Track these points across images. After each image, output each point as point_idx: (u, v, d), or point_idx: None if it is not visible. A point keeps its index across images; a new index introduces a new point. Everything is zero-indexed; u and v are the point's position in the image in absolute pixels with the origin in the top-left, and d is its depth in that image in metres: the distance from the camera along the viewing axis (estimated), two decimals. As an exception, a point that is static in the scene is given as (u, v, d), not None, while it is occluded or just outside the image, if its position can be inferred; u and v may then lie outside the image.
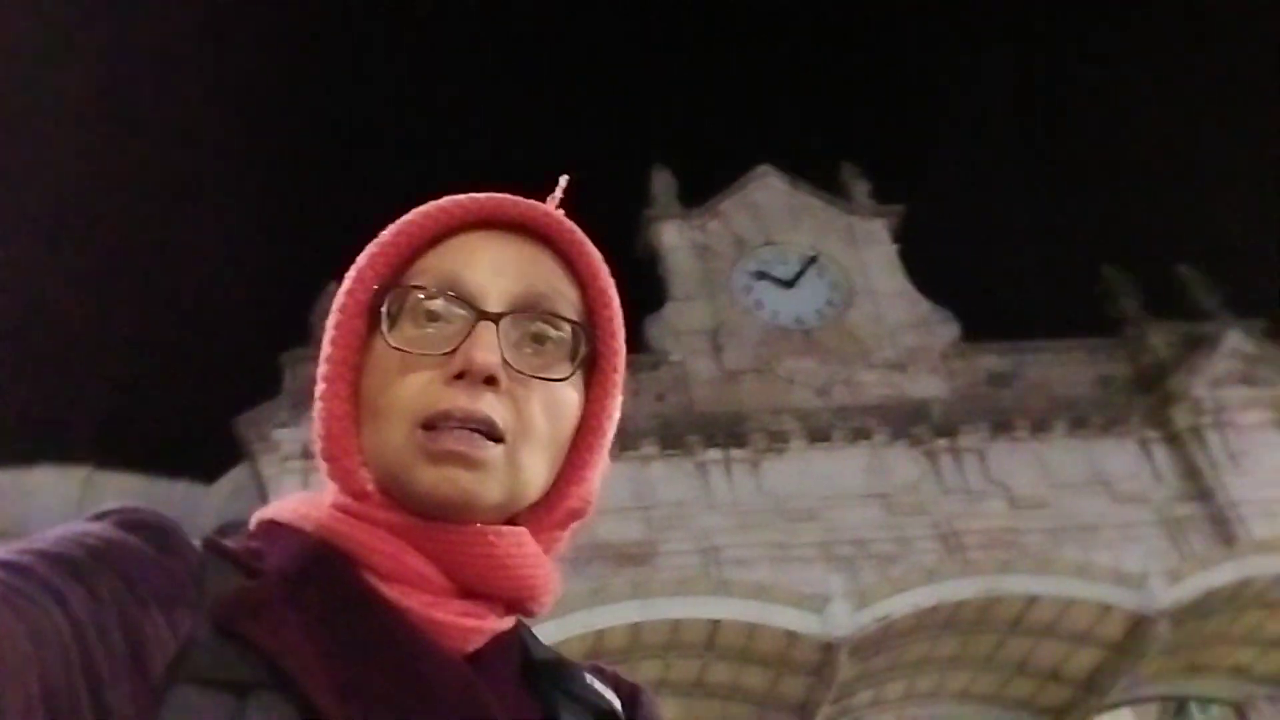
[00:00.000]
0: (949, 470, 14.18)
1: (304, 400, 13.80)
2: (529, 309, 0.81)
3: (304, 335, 14.99)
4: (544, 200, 0.88)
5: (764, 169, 17.95)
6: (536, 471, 0.80)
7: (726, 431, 13.92)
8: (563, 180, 0.94)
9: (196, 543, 0.73)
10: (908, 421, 14.41)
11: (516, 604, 0.80)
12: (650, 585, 10.54)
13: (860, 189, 18.03)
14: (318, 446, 0.81)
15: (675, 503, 13.40)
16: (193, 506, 15.89)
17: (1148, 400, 14.91)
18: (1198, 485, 14.25)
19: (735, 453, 13.88)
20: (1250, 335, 15.41)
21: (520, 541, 0.79)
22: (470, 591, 0.77)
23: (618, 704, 0.85)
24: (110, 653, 0.60)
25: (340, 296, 0.84)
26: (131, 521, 0.70)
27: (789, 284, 16.43)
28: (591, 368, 0.86)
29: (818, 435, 14.25)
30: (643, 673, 10.95)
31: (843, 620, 10.07)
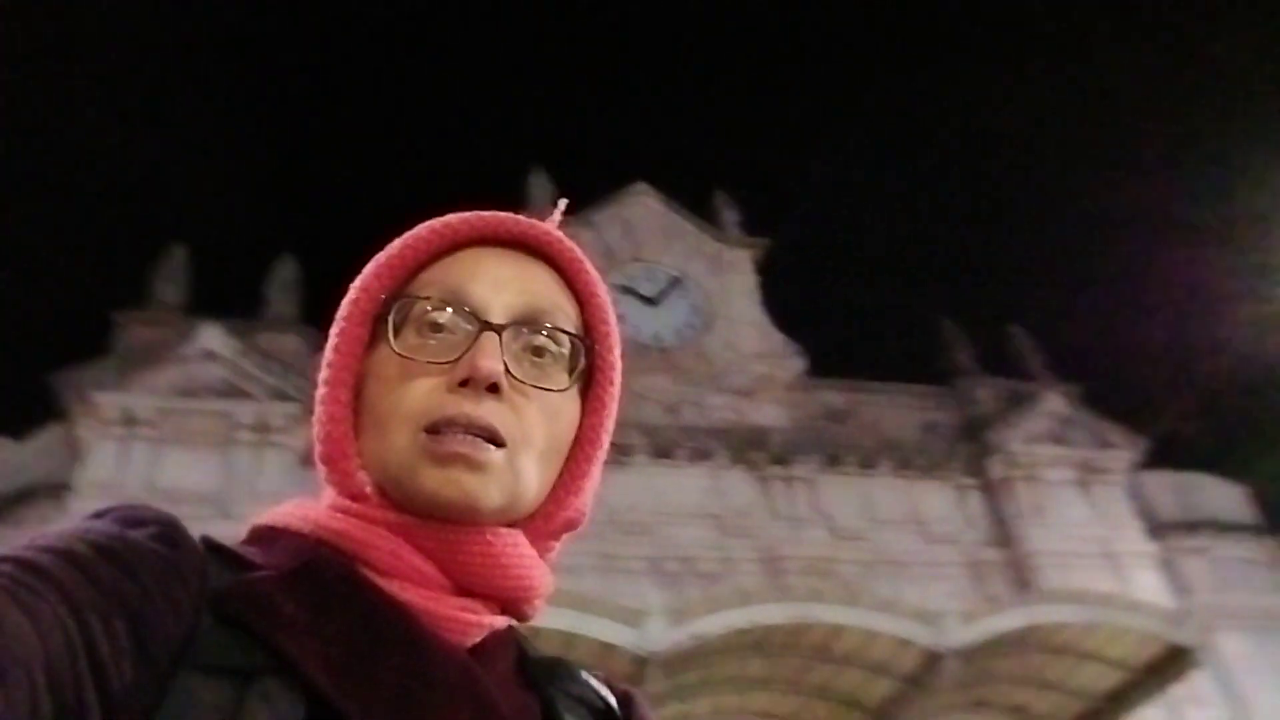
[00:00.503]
0: (780, 497, 14.72)
1: (133, 363, 13.17)
2: (530, 322, 0.83)
3: (139, 297, 14.32)
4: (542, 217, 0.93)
5: (641, 186, 18.23)
6: (535, 479, 0.82)
7: (572, 440, 14.04)
8: (562, 203, 0.99)
9: (196, 538, 0.74)
10: (748, 447, 14.88)
11: (511, 605, 0.82)
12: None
13: (730, 218, 18.53)
14: (317, 450, 0.83)
15: (512, 506, 13.41)
16: (1, 461, 14.89)
17: (968, 449, 15.87)
18: (1003, 532, 15.25)
19: (578, 462, 14.00)
20: (1066, 398, 16.63)
21: (516, 542, 0.81)
22: (466, 590, 0.78)
23: (614, 701, 0.87)
24: (114, 643, 0.61)
25: (345, 305, 0.87)
26: (132, 518, 0.71)
27: (653, 301, 16.72)
28: (588, 382, 0.89)
29: (661, 452, 14.54)
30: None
31: (657, 635, 10.31)
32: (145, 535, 0.69)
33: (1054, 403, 16.40)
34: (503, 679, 0.79)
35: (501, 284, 0.84)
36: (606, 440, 0.89)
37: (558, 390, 0.83)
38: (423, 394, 0.79)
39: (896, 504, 15.14)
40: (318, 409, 0.84)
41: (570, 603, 10.47)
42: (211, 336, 13.31)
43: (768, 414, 15.72)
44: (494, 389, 0.78)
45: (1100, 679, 12.57)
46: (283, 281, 15.06)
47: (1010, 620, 11.57)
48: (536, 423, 0.81)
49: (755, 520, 14.38)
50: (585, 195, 17.97)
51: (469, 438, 0.77)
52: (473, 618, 0.78)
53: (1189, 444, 19.10)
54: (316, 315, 14.98)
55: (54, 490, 13.04)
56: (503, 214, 0.90)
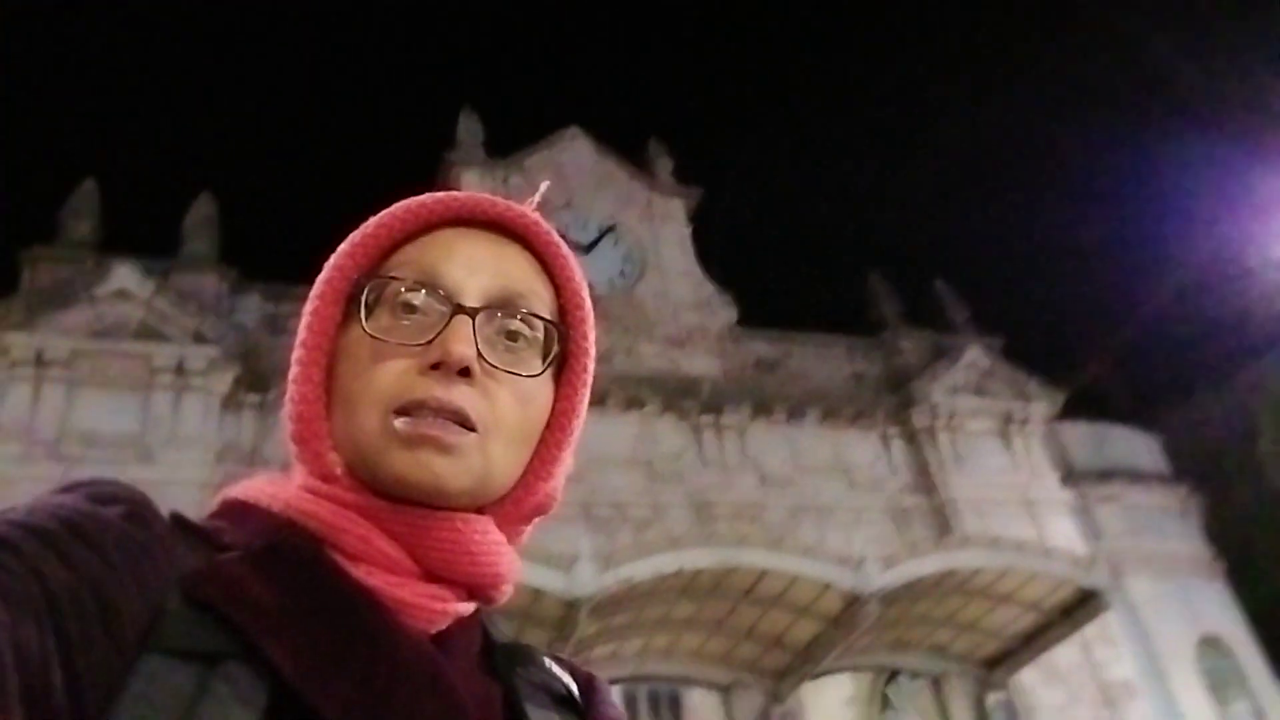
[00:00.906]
0: (710, 445, 14.88)
1: (43, 302, 12.62)
2: (505, 306, 0.82)
3: (48, 233, 13.68)
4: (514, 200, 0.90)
5: (574, 131, 17.98)
6: (506, 464, 0.81)
7: (503, 387, 13.95)
8: (543, 186, 0.98)
9: (166, 515, 0.73)
10: (679, 395, 14.96)
11: (478, 590, 0.81)
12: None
13: (664, 166, 18.43)
14: (288, 429, 0.82)
15: (442, 452, 13.31)
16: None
17: (893, 399, 16.21)
18: (925, 480, 15.67)
19: (509, 410, 13.94)
20: (988, 351, 17.05)
21: (485, 530, 0.80)
22: (434, 576, 0.78)
23: (575, 688, 0.87)
24: (82, 623, 0.60)
25: (318, 284, 0.85)
26: (103, 495, 0.70)
27: (585, 249, 16.59)
28: (562, 367, 0.87)
29: (594, 400, 14.16)
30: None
31: (587, 580, 10.40)
32: (116, 513, 0.68)
33: (976, 355, 16.81)
34: (466, 666, 0.79)
35: (476, 266, 0.83)
36: (579, 426, 0.88)
37: (530, 375, 0.82)
38: (394, 376, 0.78)
39: (823, 452, 15.43)
40: (290, 388, 0.83)
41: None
42: (125, 275, 12.79)
43: (699, 363, 15.81)
44: (465, 373, 0.77)
45: (1015, 620, 13.10)
46: (200, 218, 14.51)
47: (929, 565, 11.95)
48: (508, 407, 0.80)
49: (685, 467, 14.52)
50: (516, 139, 17.71)
51: (439, 420, 0.76)
52: (439, 605, 0.78)
53: (1105, 396, 19.82)
54: (235, 254, 14.52)
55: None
56: (480, 195, 0.89)
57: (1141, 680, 14.62)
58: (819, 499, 14.87)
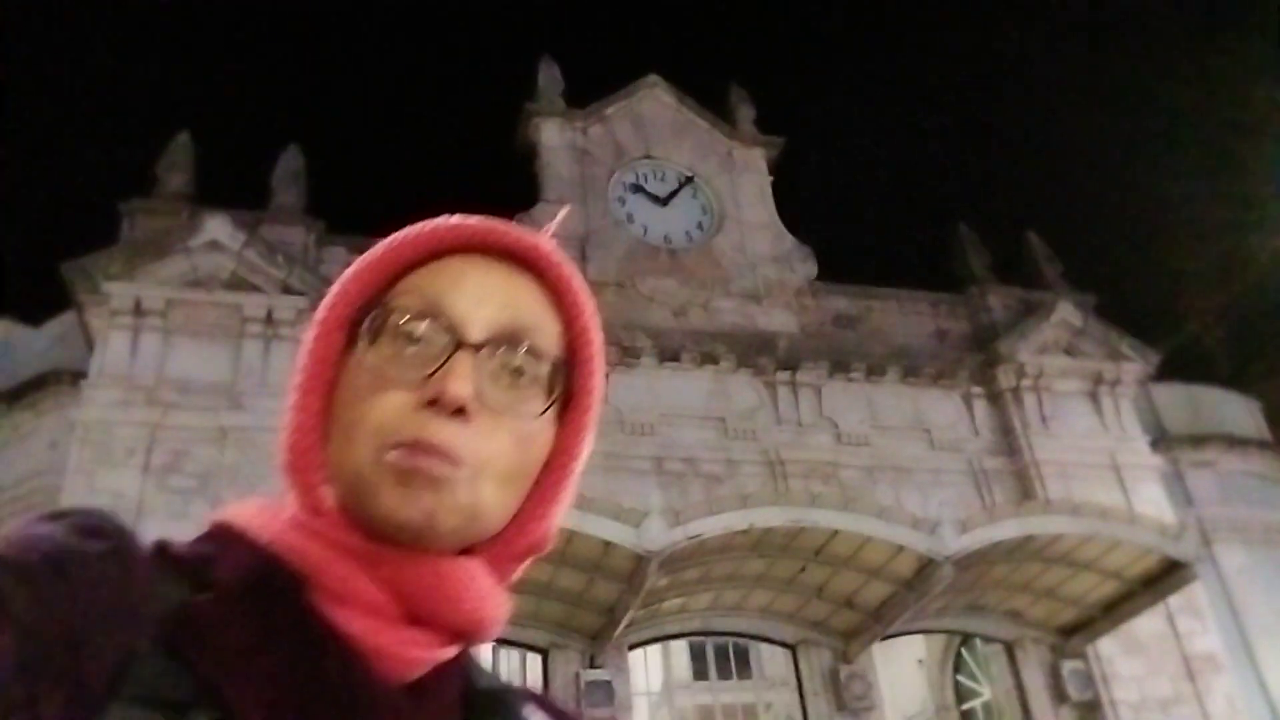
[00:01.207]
0: (785, 402, 14.73)
1: (141, 253, 13.13)
2: (509, 340, 0.80)
3: (147, 186, 14.17)
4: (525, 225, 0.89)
5: (653, 79, 17.66)
6: (499, 503, 0.79)
7: (579, 341, 13.98)
8: (561, 212, 0.96)
9: (146, 546, 0.73)
10: (754, 352, 14.82)
11: (463, 635, 0.80)
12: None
13: (745, 114, 18.01)
14: (282, 458, 0.81)
15: (518, 405, 13.46)
16: (17, 347, 15.09)
17: (978, 358, 15.76)
18: (1008, 442, 15.27)
19: (585, 363, 13.98)
20: (1080, 309, 16.40)
21: (472, 575, 0.79)
22: (418, 619, 0.77)
23: None
24: (49, 663, 0.60)
25: (321, 310, 0.84)
26: (87, 527, 0.69)
27: (663, 201, 16.42)
28: (565, 405, 0.85)
29: (668, 355, 14.52)
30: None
31: (656, 535, 10.50)
32: (96, 549, 0.68)
33: (1067, 312, 16.18)
34: (441, 716, 0.78)
35: (483, 298, 0.81)
36: (579, 468, 0.86)
37: (531, 415, 0.81)
38: (390, 409, 0.76)
39: (902, 411, 15.14)
40: (286, 415, 0.82)
41: (573, 502, 10.63)
42: (217, 227, 13.19)
43: (776, 319, 15.61)
44: (461, 413, 0.76)
45: (1095, 588, 12.78)
46: (288, 172, 14.83)
47: (1007, 530, 11.70)
48: (505, 447, 0.79)
49: (759, 424, 14.43)
50: (596, 87, 17.52)
51: (431, 458, 0.75)
52: (418, 652, 0.76)
53: (1203, 358, 18.94)
54: (322, 206, 14.84)
55: (70, 377, 13.22)
56: (492, 222, 0.87)
57: (1227, 654, 14.14)
58: (896, 459, 14.64)
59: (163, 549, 0.75)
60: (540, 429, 0.82)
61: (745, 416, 14.44)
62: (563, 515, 0.87)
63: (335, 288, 0.85)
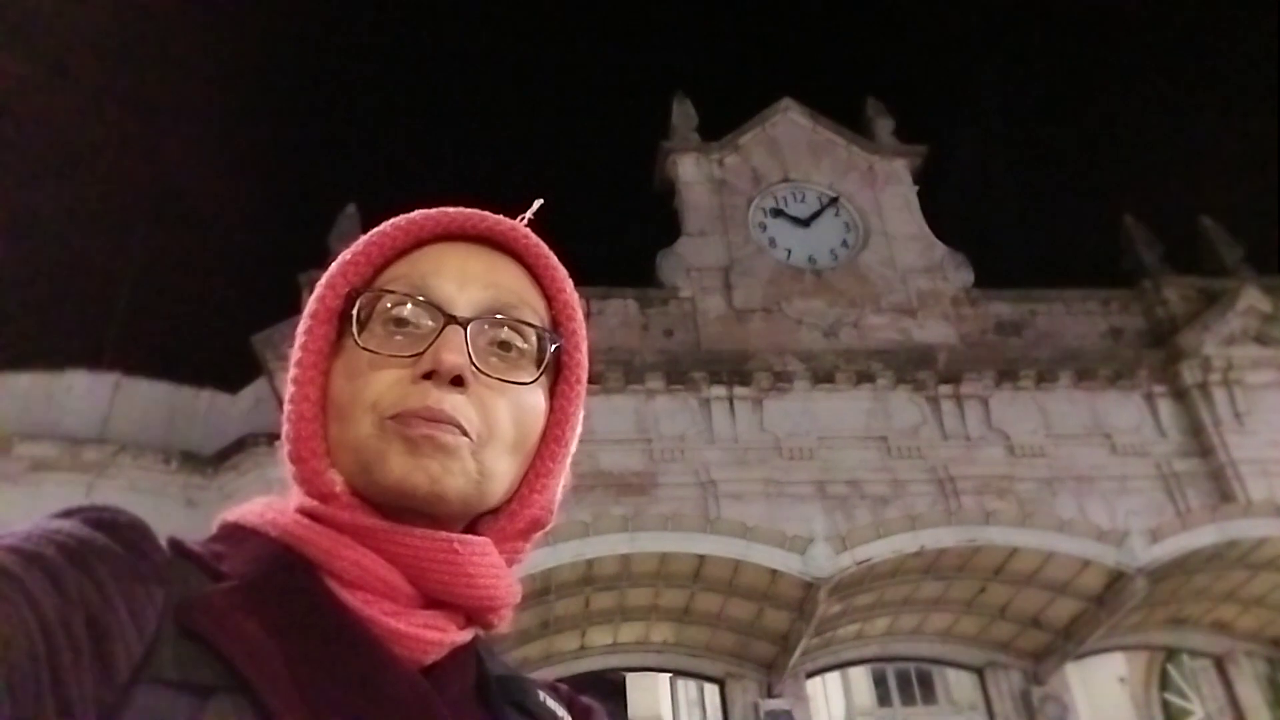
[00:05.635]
0: (950, 416, 14.27)
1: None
2: (496, 316, 0.83)
3: (321, 257, 15.26)
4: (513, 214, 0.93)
5: (786, 102, 17.64)
6: (501, 473, 0.81)
7: (732, 370, 14.04)
8: (536, 203, 0.97)
9: (163, 542, 0.74)
10: (913, 367, 14.44)
11: (477, 615, 0.81)
12: (641, 520, 10.85)
13: (884, 126, 17.71)
14: (286, 449, 0.82)
15: (677, 436, 13.62)
16: (218, 415, 16.50)
17: (1157, 355, 14.81)
18: (1200, 442, 14.24)
19: (739, 390, 14.00)
20: (1268, 294, 15.17)
21: (484, 552, 0.80)
22: (433, 601, 0.78)
23: None
24: (75, 653, 0.60)
25: (311, 303, 0.86)
26: (101, 520, 0.70)
27: (805, 223, 16.31)
28: (556, 378, 0.88)
29: (822, 377, 14.34)
30: (633, 599, 11.40)
31: (823, 562, 10.36)
32: (113, 540, 0.68)
33: (1254, 298, 14.98)
34: (459, 699, 0.79)
35: (467, 278, 0.84)
36: (574, 439, 0.89)
37: (524, 383, 0.83)
38: (386, 385, 0.79)
39: (1079, 417, 14.38)
40: (286, 407, 0.83)
41: (735, 531, 10.68)
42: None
43: (933, 331, 15.18)
44: (458, 381, 0.78)
45: (1313, 595, 11.72)
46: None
47: (1204, 536, 10.90)
48: (503, 416, 0.81)
49: (924, 441, 14.02)
50: (731, 118, 17.65)
51: (435, 424, 0.77)
52: (434, 635, 0.77)
53: None
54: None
55: (267, 439, 14.33)
56: (469, 210, 0.90)
57: None
58: (1076, 468, 13.90)
59: (176, 544, 0.75)
60: (533, 399, 0.84)
61: (908, 434, 14.07)
62: (560, 487, 0.88)
63: (323, 280, 0.87)
